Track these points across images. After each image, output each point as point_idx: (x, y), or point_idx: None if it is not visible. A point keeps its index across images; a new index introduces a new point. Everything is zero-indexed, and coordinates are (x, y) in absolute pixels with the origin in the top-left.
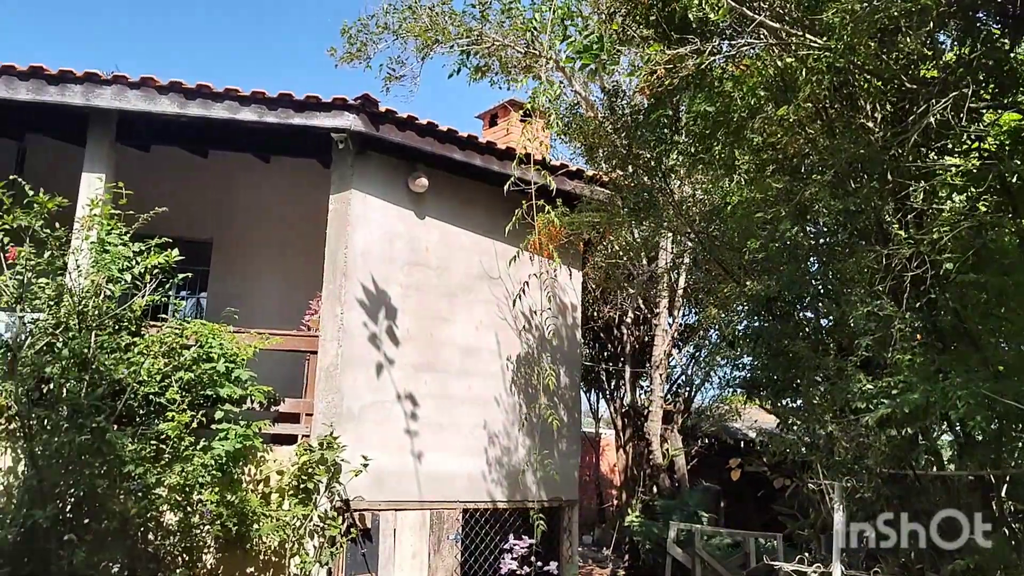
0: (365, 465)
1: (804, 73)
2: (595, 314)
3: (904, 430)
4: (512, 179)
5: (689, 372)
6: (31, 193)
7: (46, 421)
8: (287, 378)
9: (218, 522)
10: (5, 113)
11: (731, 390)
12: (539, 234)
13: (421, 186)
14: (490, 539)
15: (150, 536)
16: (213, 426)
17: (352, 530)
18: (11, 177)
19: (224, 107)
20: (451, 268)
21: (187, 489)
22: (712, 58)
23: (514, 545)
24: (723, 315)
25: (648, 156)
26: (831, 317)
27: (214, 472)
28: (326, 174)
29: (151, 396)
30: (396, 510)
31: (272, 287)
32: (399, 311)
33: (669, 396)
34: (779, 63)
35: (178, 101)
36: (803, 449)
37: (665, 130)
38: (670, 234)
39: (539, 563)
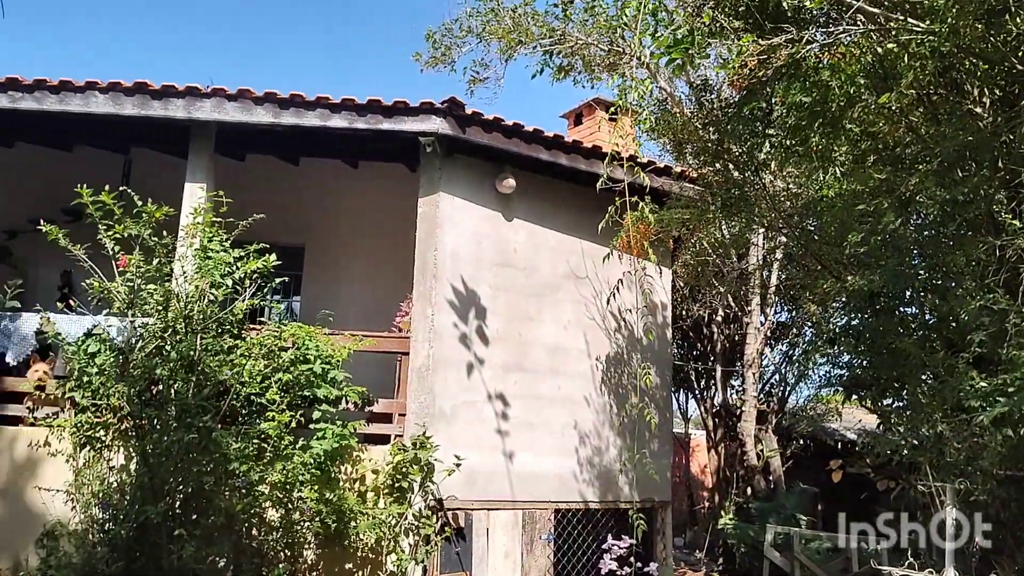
0: (458, 465)
1: (906, 59)
2: (683, 312)
3: (1021, 429)
4: (603, 177)
5: (783, 371)
6: (139, 203)
7: (156, 421)
8: (376, 379)
9: (317, 519)
10: (112, 128)
11: (830, 389)
12: (629, 232)
13: (508, 187)
14: (582, 539)
15: (253, 531)
16: (311, 426)
17: (446, 529)
18: (121, 188)
19: (316, 115)
20: (539, 268)
21: (288, 487)
22: (807, 47)
23: (613, 545)
24: (821, 312)
25: (739, 150)
26: (937, 313)
27: (313, 471)
28: (413, 178)
29: (252, 396)
30: (488, 509)
31: (362, 290)
32: (488, 311)
33: (762, 396)
34: (879, 49)
35: (273, 111)
36: (906, 451)
37: (757, 123)
38: (761, 229)
39: (638, 564)
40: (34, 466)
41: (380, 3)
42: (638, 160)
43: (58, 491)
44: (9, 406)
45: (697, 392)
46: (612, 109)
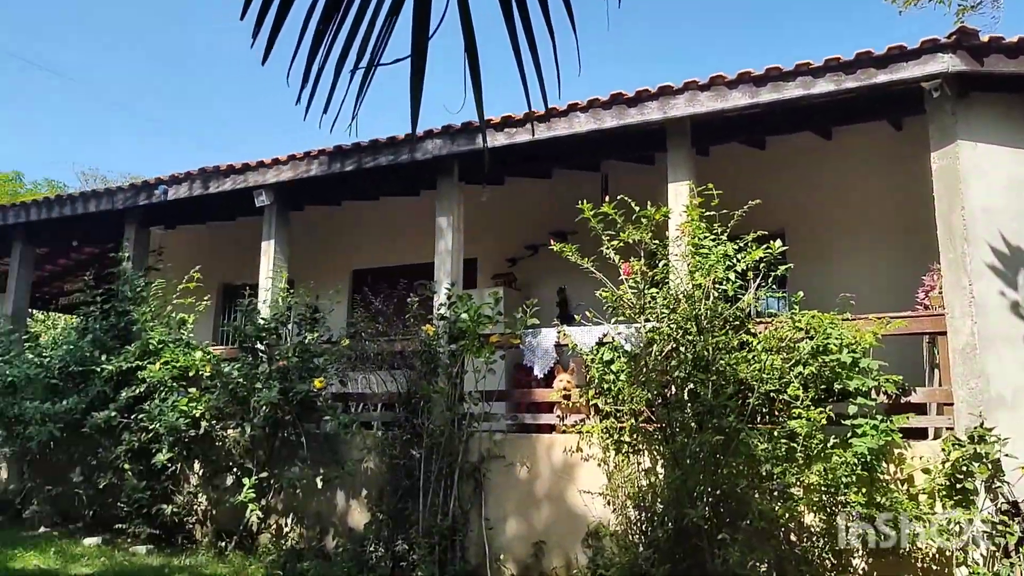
0: None
1: None
2: None
3: None
4: None
5: None
6: (637, 210)
7: (676, 424)
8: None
9: (868, 524)
10: (588, 145)
11: None
12: None
13: None
14: None
15: (792, 537)
16: (846, 422)
17: None
18: (619, 197)
19: (797, 84)
20: None
21: (828, 489)
22: None
23: None
24: None
25: None
26: None
27: (859, 472)
28: (897, 136)
29: (771, 393)
30: None
31: (856, 267)
32: None
33: None
34: None
35: (749, 91)
36: None
37: None
38: None
39: None
40: (570, 470)
41: None
42: None
43: (595, 494)
44: (542, 416)
45: None
46: None
